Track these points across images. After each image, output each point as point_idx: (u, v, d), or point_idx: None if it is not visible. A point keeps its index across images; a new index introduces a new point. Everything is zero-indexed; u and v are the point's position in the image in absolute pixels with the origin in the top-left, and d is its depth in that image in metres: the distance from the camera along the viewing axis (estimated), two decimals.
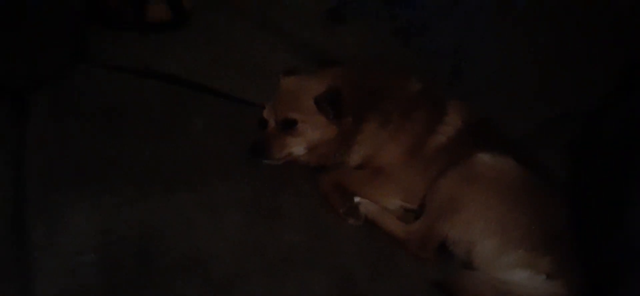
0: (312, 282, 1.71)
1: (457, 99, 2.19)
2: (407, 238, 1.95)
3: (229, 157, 1.99)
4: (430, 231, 1.93)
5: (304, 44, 2.47)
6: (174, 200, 1.77)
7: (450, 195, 1.93)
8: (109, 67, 2.21)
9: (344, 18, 2.55)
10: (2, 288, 1.56)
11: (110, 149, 1.88)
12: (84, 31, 2.26)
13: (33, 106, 1.99)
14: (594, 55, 2.36)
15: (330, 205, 1.99)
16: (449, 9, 2.49)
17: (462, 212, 1.90)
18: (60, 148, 1.85)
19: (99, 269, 1.56)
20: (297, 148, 2.02)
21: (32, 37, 2.05)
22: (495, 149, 1.97)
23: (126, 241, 1.63)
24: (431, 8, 2.50)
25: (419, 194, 2.03)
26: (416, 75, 2.21)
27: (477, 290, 1.82)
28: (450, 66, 2.47)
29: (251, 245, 1.75)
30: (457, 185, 1.93)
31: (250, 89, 2.31)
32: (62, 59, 2.16)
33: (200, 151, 1.99)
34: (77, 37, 2.23)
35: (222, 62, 2.38)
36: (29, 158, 1.83)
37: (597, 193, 2.05)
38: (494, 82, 2.42)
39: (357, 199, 2.01)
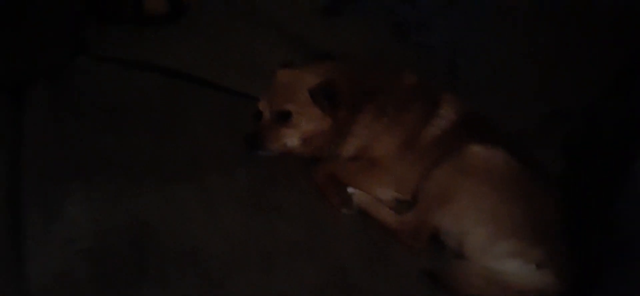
0: (306, 273, 1.73)
1: (451, 93, 2.20)
2: (400, 228, 1.97)
3: (225, 150, 2.01)
4: (422, 222, 1.95)
5: (300, 37, 2.47)
6: (169, 193, 1.78)
7: (443, 186, 1.95)
8: (107, 60, 2.22)
9: (340, 12, 2.56)
10: None
11: (106, 142, 1.89)
12: (82, 25, 2.27)
13: (30, 100, 2.00)
14: (591, 52, 2.36)
15: (324, 196, 2.01)
16: (446, 5, 2.49)
17: (454, 203, 1.92)
18: (56, 141, 1.86)
19: (92, 259, 1.56)
20: (291, 139, 2.03)
21: (30, 32, 2.06)
22: (488, 142, 1.99)
23: (121, 232, 1.63)
24: (428, 4, 2.50)
25: (412, 186, 2.05)
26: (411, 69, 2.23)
27: (468, 279, 1.85)
28: (447, 63, 2.48)
29: (246, 237, 1.76)
30: (450, 176, 1.95)
31: (247, 82, 2.32)
32: (61, 54, 2.17)
33: (197, 144, 2.00)
34: (75, 32, 2.25)
35: (219, 55, 2.38)
36: (26, 150, 1.84)
37: (590, 186, 2.08)
38: (490, 79, 2.43)
39: (351, 190, 2.04)
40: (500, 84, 2.42)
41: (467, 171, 1.94)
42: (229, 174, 1.91)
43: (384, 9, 2.53)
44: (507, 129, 2.23)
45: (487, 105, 2.28)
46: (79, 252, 1.56)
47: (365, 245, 1.91)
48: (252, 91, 2.24)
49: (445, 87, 2.28)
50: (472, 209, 1.91)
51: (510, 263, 1.85)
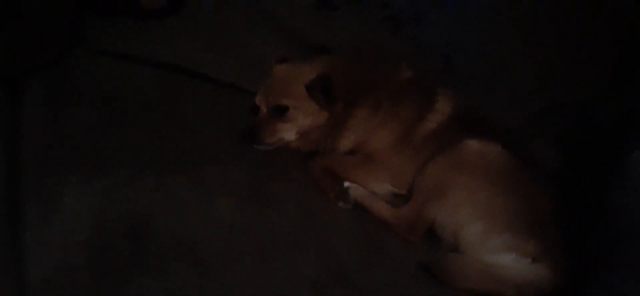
0: (301, 265, 1.74)
1: (447, 87, 2.21)
2: (395, 222, 1.98)
3: (221, 144, 2.02)
4: (418, 215, 1.96)
5: (296, 32, 2.48)
6: (166, 184, 1.80)
7: (439, 180, 1.96)
8: (104, 54, 2.23)
9: (336, 7, 2.56)
10: None
11: (103, 134, 1.91)
12: (79, 19, 2.27)
13: (28, 92, 2.01)
14: (587, 48, 2.39)
15: (320, 190, 2.02)
16: None
17: (450, 196, 1.92)
18: (54, 133, 1.88)
19: (90, 250, 1.58)
20: (288, 133, 2.04)
21: (27, 26, 2.07)
22: (483, 136, 2.00)
23: (118, 223, 1.65)
24: None
25: (408, 180, 2.06)
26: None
27: (463, 273, 1.85)
28: (442, 57, 2.49)
29: (242, 229, 1.77)
30: (445, 170, 1.96)
31: (243, 77, 2.33)
32: (58, 47, 2.18)
33: (194, 137, 2.02)
34: (72, 26, 2.25)
35: (215, 49, 2.40)
36: (24, 142, 1.85)
37: (585, 180, 2.09)
38: (486, 73, 2.44)
39: (347, 184, 2.05)
40: (496, 79, 2.44)
41: (463, 165, 1.95)
42: (226, 168, 1.92)
43: (379, 2, 2.54)
44: (503, 123, 2.24)
45: (483, 99, 2.29)
46: (77, 243, 1.58)
47: (362, 239, 1.92)
48: (248, 85, 2.25)
49: (440, 81, 2.29)
50: (467, 203, 1.91)
51: (506, 257, 1.85)
